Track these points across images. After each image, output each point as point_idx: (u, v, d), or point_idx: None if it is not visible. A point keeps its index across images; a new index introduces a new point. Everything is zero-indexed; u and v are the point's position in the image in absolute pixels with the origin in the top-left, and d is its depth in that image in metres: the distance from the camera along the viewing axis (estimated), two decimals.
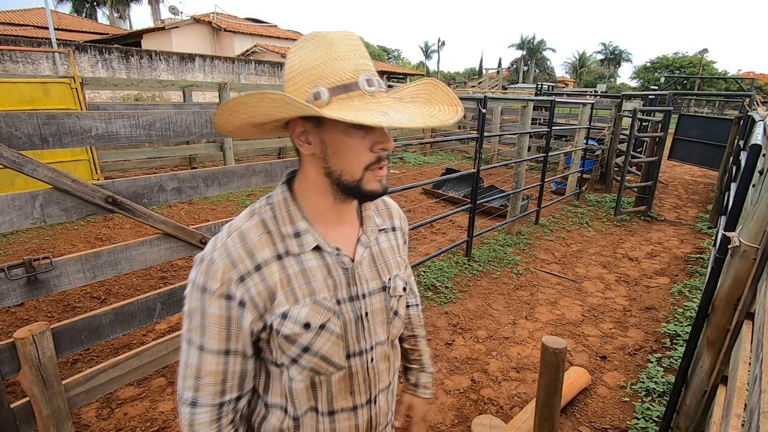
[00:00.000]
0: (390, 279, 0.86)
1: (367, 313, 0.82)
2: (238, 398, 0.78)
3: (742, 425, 1.08)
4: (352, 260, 0.81)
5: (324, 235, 0.79)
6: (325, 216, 0.79)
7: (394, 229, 0.94)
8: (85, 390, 1.78)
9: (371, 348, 0.84)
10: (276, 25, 23.16)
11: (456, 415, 2.36)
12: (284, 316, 0.73)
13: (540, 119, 9.95)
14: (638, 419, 2.34)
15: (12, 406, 1.58)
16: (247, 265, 0.72)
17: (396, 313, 0.88)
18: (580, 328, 3.28)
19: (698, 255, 4.72)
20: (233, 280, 0.71)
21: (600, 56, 57.80)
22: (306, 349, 0.75)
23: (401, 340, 1.09)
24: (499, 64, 38.19)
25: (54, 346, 1.60)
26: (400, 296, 0.89)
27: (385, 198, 0.96)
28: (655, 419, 2.31)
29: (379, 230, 0.89)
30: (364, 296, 0.82)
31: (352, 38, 0.71)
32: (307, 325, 0.74)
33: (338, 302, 0.78)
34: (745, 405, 1.12)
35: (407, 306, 1.09)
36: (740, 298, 1.60)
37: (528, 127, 4.99)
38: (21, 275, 1.54)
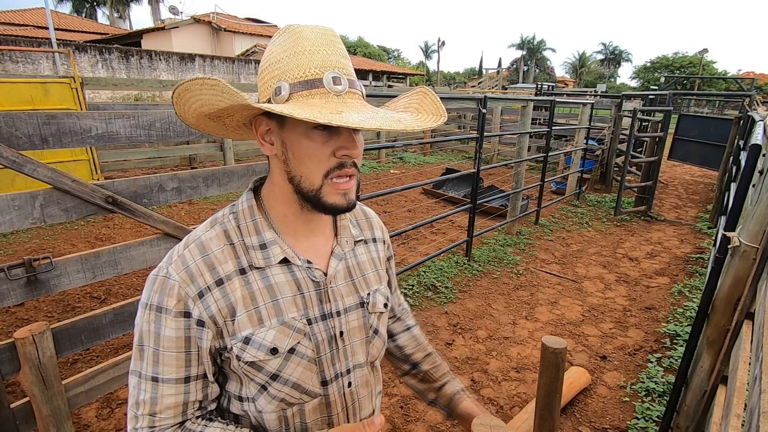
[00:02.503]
0: (369, 294, 0.79)
1: (342, 333, 0.75)
2: (201, 404, 0.71)
3: (742, 425, 1.08)
4: (325, 274, 0.74)
5: (293, 247, 0.72)
6: (293, 226, 0.72)
7: (374, 240, 0.87)
8: (85, 390, 1.78)
9: (348, 371, 0.76)
10: (276, 25, 23.17)
11: None
12: (246, 341, 0.66)
13: (540, 119, 9.95)
14: (638, 419, 2.34)
15: (12, 406, 1.57)
16: (207, 279, 0.65)
17: (376, 332, 0.81)
18: (580, 328, 3.28)
19: (698, 255, 4.72)
20: (191, 296, 0.64)
21: (600, 56, 57.87)
22: (275, 377, 0.68)
23: (416, 365, 1.01)
24: (499, 64, 38.24)
25: (54, 346, 1.60)
26: (381, 313, 0.82)
27: (365, 208, 0.91)
28: (655, 419, 2.31)
29: (357, 241, 0.82)
30: (338, 314, 0.74)
31: (326, 33, 0.65)
32: (274, 350, 0.67)
33: (309, 322, 0.71)
34: (745, 405, 1.12)
35: (408, 328, 1.02)
36: (740, 298, 1.60)
37: (528, 127, 4.98)
38: (21, 275, 1.54)
